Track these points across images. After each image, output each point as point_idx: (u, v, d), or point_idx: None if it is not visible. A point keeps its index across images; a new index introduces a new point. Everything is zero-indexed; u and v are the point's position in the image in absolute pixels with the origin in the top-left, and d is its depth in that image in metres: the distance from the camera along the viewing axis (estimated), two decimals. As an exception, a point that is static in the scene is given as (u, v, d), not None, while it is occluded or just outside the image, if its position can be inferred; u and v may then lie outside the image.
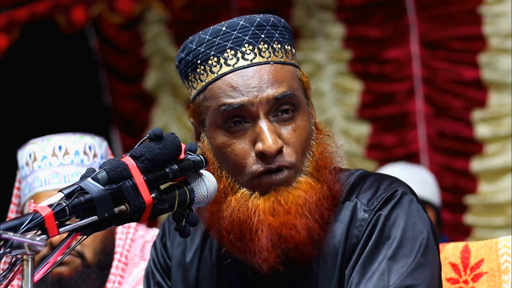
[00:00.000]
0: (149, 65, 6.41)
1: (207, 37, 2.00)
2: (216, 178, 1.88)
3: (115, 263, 2.58)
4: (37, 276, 1.60)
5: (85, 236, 1.69)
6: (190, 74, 2.03)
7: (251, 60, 1.97)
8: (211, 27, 2.02)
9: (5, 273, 1.59)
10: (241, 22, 2.00)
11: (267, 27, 2.01)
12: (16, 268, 1.59)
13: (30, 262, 1.54)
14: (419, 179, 4.62)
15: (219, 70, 1.98)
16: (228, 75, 1.97)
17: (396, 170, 4.60)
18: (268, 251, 1.92)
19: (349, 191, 2.00)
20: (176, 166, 1.77)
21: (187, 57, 2.02)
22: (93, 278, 2.54)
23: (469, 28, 5.23)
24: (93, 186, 1.65)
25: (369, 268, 1.88)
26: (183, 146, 1.80)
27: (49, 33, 5.99)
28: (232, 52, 1.98)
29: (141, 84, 6.46)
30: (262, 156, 1.92)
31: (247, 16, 2.03)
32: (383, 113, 5.63)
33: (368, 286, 1.86)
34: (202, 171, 1.82)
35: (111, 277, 2.57)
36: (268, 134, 1.91)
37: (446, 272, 2.14)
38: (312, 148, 1.98)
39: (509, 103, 5.08)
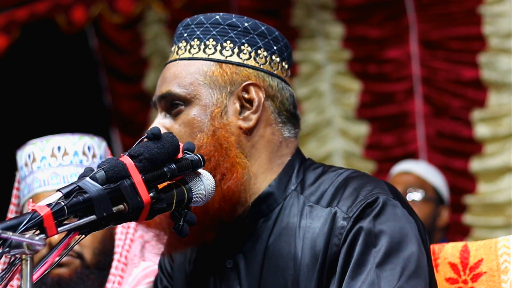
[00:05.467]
0: (149, 65, 6.41)
1: (180, 25, 2.12)
2: None
3: (114, 263, 2.58)
4: (36, 276, 1.61)
5: (83, 236, 1.69)
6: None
7: (179, 56, 2.05)
8: (190, 18, 2.11)
9: (4, 273, 1.59)
10: (201, 17, 2.11)
11: (206, 25, 2.10)
12: (15, 268, 1.58)
13: (29, 261, 1.54)
14: (443, 180, 4.66)
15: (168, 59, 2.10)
16: None
17: (419, 167, 4.66)
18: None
19: (332, 195, 1.96)
20: (174, 165, 1.77)
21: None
22: (92, 279, 2.53)
23: (468, 28, 5.23)
24: (92, 186, 1.65)
25: (358, 278, 1.82)
26: (181, 145, 1.80)
27: (49, 33, 5.99)
28: (174, 46, 2.09)
29: (141, 84, 6.46)
30: None
31: (209, 14, 2.12)
32: (382, 113, 5.63)
33: None
34: (200, 170, 1.82)
35: (110, 277, 2.57)
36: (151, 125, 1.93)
37: (446, 272, 2.14)
38: (201, 139, 1.96)
39: (509, 103, 5.08)
